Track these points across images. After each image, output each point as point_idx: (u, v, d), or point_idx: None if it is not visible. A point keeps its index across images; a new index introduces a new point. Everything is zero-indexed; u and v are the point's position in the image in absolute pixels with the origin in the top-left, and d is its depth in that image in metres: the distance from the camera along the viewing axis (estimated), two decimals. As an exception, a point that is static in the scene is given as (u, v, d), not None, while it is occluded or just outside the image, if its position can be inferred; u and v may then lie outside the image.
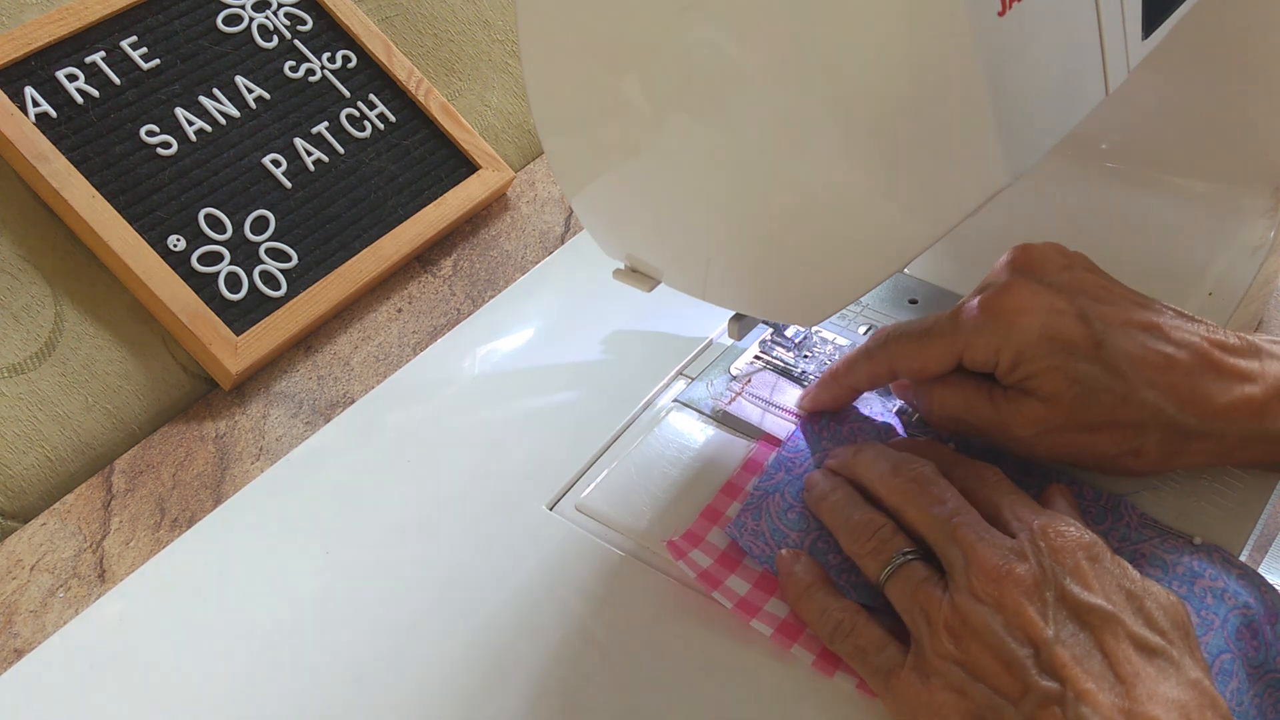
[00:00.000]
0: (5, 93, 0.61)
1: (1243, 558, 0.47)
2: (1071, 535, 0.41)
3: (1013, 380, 0.47)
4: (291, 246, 0.65)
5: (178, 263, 0.62)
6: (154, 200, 0.63)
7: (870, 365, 0.50)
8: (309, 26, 0.72)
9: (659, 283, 0.50)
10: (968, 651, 0.40)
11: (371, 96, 0.72)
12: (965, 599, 0.40)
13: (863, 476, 0.47)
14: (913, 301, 0.61)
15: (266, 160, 0.67)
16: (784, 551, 0.47)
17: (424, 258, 0.70)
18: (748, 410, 0.55)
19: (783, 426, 0.54)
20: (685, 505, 0.51)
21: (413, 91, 0.73)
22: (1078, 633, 0.39)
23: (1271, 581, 0.46)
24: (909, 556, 0.43)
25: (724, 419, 0.55)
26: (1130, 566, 0.42)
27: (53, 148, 0.61)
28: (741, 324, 0.52)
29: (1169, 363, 0.46)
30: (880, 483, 0.46)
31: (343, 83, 0.71)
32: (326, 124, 0.70)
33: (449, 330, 0.63)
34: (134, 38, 0.66)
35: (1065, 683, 0.38)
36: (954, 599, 0.41)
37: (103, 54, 0.65)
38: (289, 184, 0.67)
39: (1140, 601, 0.40)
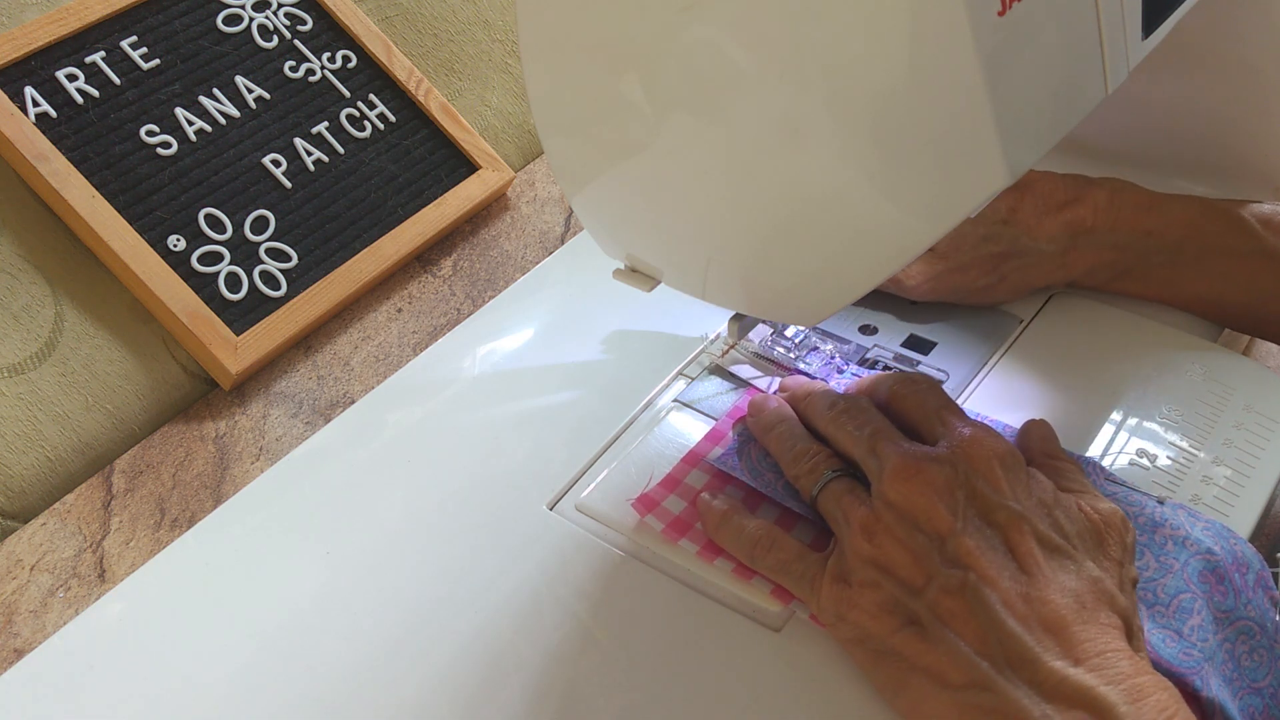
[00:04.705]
0: (5, 93, 0.61)
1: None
2: (989, 443, 0.43)
3: None
4: (291, 246, 0.65)
5: (178, 263, 0.62)
6: (154, 200, 0.63)
7: None
8: (309, 26, 0.72)
9: (659, 283, 0.50)
10: (880, 547, 0.42)
11: (371, 96, 0.72)
12: (880, 500, 0.43)
13: (806, 413, 0.50)
14: (912, 302, 0.61)
15: (266, 160, 0.67)
16: (704, 494, 0.49)
17: (424, 258, 0.70)
18: (740, 366, 0.57)
19: (768, 381, 0.56)
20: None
21: (413, 91, 0.73)
22: (984, 528, 0.41)
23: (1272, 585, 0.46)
24: (837, 473, 0.46)
25: (718, 371, 0.57)
26: (1047, 480, 0.44)
27: (53, 148, 0.61)
28: (741, 324, 0.52)
29: (1017, 203, 0.57)
30: (818, 418, 0.49)
31: (343, 83, 0.71)
32: (326, 124, 0.70)
33: (449, 330, 0.63)
34: (134, 38, 0.66)
35: (969, 569, 0.40)
36: (872, 502, 0.43)
37: (103, 54, 0.65)
38: (289, 184, 0.67)
39: (1049, 509, 0.42)
